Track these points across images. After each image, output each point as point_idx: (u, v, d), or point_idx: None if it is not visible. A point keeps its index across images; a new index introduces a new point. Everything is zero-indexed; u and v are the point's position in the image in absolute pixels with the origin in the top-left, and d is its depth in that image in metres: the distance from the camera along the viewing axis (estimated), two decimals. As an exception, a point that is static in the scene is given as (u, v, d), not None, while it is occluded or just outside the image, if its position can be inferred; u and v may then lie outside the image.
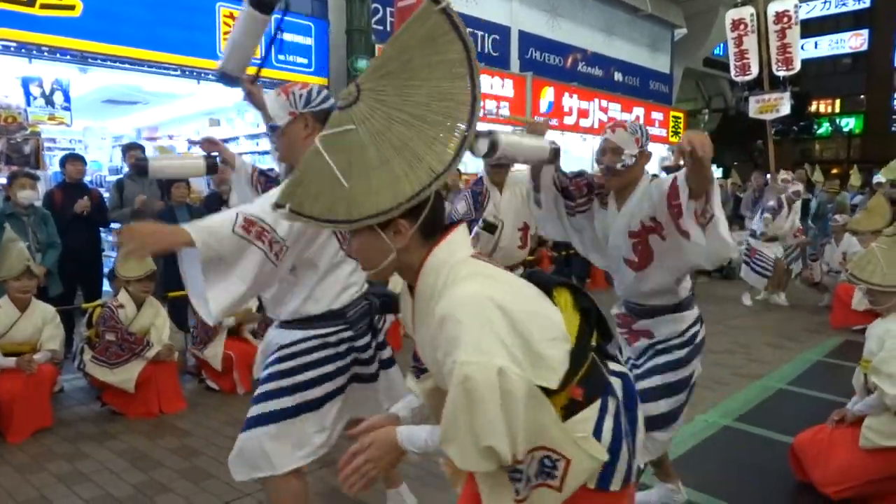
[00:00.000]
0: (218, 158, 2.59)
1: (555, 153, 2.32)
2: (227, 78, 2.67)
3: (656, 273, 2.52)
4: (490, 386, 1.18)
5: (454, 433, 1.24)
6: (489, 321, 1.23)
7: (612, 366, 1.50)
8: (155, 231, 1.87)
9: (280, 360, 2.24)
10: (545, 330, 1.32)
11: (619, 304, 2.78)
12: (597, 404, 1.38)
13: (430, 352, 1.39)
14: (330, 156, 1.28)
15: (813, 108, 31.13)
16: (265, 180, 2.92)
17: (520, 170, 4.16)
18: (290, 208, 1.32)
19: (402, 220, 1.32)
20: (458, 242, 1.39)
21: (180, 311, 5.28)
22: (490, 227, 3.64)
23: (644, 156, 2.53)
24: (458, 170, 8.74)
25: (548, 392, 1.28)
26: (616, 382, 1.45)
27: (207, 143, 2.64)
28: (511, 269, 3.78)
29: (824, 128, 32.93)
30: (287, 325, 2.30)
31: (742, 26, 9.36)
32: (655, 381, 2.57)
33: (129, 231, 1.86)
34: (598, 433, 1.36)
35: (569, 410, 1.35)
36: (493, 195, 3.83)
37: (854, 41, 32.95)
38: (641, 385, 2.54)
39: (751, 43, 9.27)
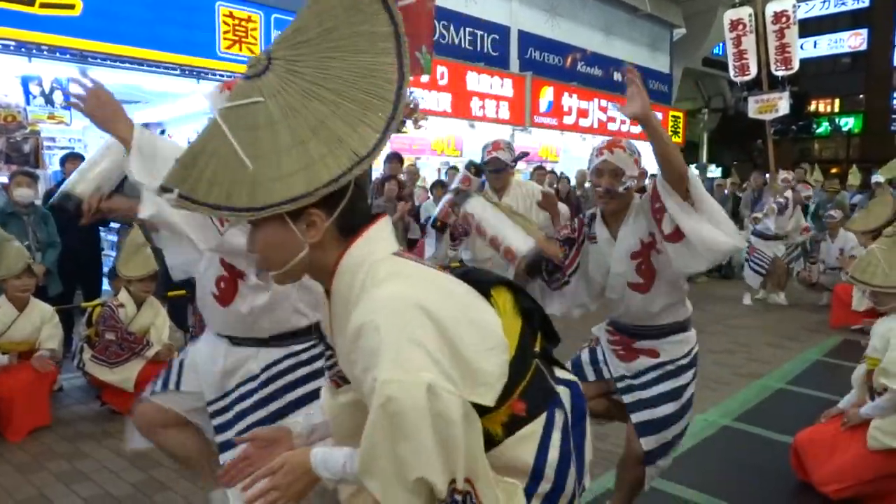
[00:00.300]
0: None
1: (531, 265, 2.06)
2: (69, 201, 2.25)
3: (662, 289, 2.41)
4: (418, 408, 1.00)
5: (375, 463, 1.05)
6: (414, 329, 1.05)
7: (559, 373, 1.34)
8: (106, 108, 1.86)
9: (266, 382, 2.11)
10: (480, 338, 1.15)
11: (608, 323, 2.66)
12: (542, 418, 1.23)
13: (348, 365, 1.20)
14: (232, 132, 1.09)
15: (812, 107, 31.16)
16: None
17: (525, 178, 4.15)
18: (179, 194, 1.11)
19: (317, 210, 1.14)
20: (379, 238, 1.21)
21: (180, 311, 5.28)
22: (476, 169, 3.54)
23: (642, 176, 2.43)
24: (457, 169, 8.73)
25: (483, 410, 1.12)
26: (563, 392, 1.30)
27: None
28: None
29: (823, 127, 32.98)
30: (261, 342, 2.14)
31: (740, 26, 9.37)
32: (670, 407, 2.45)
33: (95, 92, 1.85)
34: (544, 450, 1.23)
35: (510, 427, 1.20)
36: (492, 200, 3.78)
37: (853, 41, 32.98)
38: (655, 413, 2.46)
39: (749, 43, 9.27)
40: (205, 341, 2.36)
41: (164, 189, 1.11)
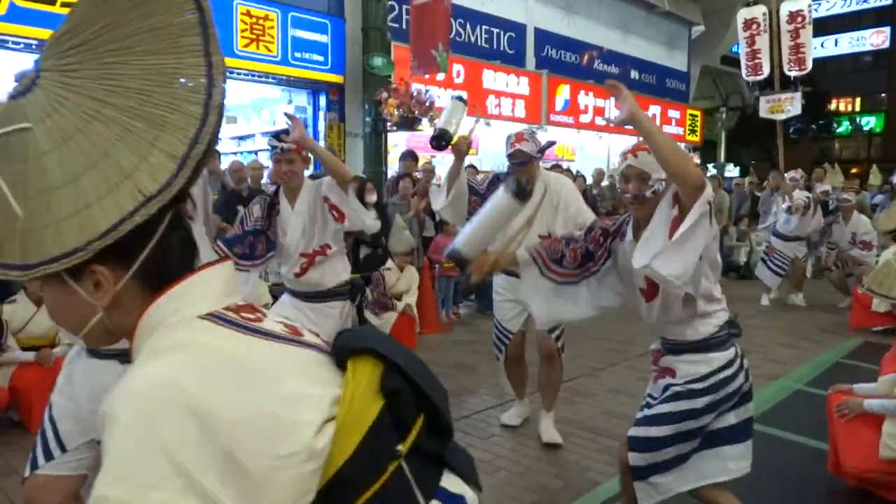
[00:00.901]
0: None
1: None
2: None
3: (662, 299, 2.34)
4: None
5: None
6: (162, 429, 0.75)
7: (446, 481, 0.95)
8: None
9: None
10: (277, 442, 0.81)
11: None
12: None
13: None
14: None
15: (832, 106, 30.79)
16: (234, 243, 3.14)
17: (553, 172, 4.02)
18: None
19: (101, 266, 0.85)
20: (193, 293, 0.89)
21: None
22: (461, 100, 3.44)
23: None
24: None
25: None
26: None
27: None
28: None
29: (844, 126, 32.56)
30: None
31: (754, 25, 9.27)
32: (664, 430, 2.35)
33: None
34: None
35: None
36: None
37: (875, 38, 32.52)
38: (647, 432, 2.37)
39: (763, 42, 9.18)
40: (76, 377, 2.07)
41: None
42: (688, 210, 2.03)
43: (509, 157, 3.59)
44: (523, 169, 3.58)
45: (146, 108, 0.85)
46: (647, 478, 2.40)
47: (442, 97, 9.51)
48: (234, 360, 0.84)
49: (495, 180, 3.70)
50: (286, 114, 3.12)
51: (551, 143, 3.76)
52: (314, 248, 3.21)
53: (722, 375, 2.35)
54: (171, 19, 0.86)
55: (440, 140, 3.35)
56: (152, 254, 0.87)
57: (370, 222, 3.24)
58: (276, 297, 4.06)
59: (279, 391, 0.85)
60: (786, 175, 8.26)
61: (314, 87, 8.80)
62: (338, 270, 3.34)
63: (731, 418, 2.41)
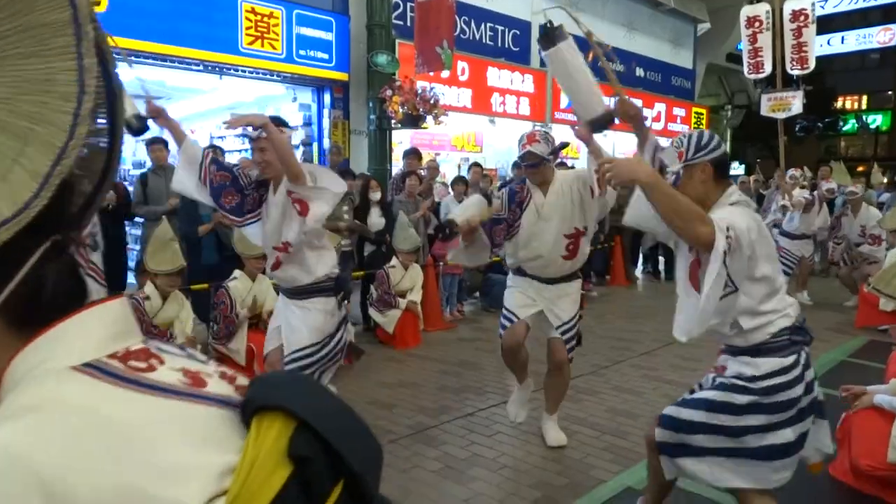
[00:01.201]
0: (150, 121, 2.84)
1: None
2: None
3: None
4: None
5: None
6: None
7: None
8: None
9: None
10: None
11: None
12: None
13: None
14: None
15: (839, 104, 30.66)
16: (216, 169, 3.04)
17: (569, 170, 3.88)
18: None
19: None
20: (70, 336, 0.77)
21: (202, 304, 5.34)
22: (442, 230, 3.24)
23: (698, 169, 2.27)
24: (479, 165, 8.73)
25: None
26: None
27: (153, 110, 2.91)
28: (561, 279, 3.60)
29: (850, 124, 32.42)
30: None
31: (757, 23, 9.24)
32: (697, 415, 2.31)
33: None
34: None
35: None
36: (536, 196, 3.46)
37: (882, 36, 32.28)
38: (680, 412, 2.35)
39: (765, 40, 9.15)
40: None
41: None
42: (704, 261, 2.05)
43: (521, 158, 3.45)
44: (535, 171, 3.42)
45: (10, 120, 0.74)
46: (674, 456, 2.37)
47: (447, 94, 9.51)
48: (102, 423, 0.71)
49: (512, 194, 3.54)
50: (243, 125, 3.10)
51: (565, 144, 3.61)
52: (280, 243, 3.13)
53: (772, 382, 2.25)
54: (45, 17, 0.74)
55: (444, 230, 3.19)
56: (19, 289, 0.74)
57: (339, 189, 3.08)
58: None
59: (154, 461, 0.71)
60: (786, 173, 8.25)
61: (319, 85, 8.80)
62: (311, 267, 3.21)
63: (788, 434, 2.26)
